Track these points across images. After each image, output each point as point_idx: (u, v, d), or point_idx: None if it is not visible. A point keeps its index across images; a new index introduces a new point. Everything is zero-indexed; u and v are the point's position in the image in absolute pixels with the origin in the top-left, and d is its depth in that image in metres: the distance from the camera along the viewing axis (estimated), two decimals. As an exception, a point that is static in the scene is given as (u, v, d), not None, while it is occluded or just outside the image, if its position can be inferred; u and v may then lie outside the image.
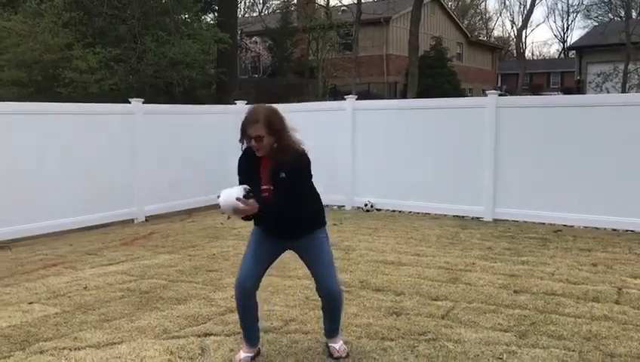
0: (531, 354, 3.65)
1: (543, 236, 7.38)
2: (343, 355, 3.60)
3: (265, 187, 3.37)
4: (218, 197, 3.23)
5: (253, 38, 31.21)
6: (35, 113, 7.78)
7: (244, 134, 3.31)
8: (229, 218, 3.48)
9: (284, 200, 3.31)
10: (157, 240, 7.47)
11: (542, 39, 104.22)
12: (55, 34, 15.52)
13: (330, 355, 3.63)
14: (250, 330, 3.61)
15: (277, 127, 3.29)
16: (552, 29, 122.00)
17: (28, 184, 7.50)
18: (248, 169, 3.42)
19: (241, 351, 3.62)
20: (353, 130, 9.59)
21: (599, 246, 6.76)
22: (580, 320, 4.28)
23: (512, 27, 69.81)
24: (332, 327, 3.71)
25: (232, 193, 3.20)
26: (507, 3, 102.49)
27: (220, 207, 3.24)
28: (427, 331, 4.07)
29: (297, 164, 3.35)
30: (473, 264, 5.97)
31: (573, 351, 3.71)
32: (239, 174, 3.46)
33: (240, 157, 3.48)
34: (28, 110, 7.84)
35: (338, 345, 3.66)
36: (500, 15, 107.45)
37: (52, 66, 15.60)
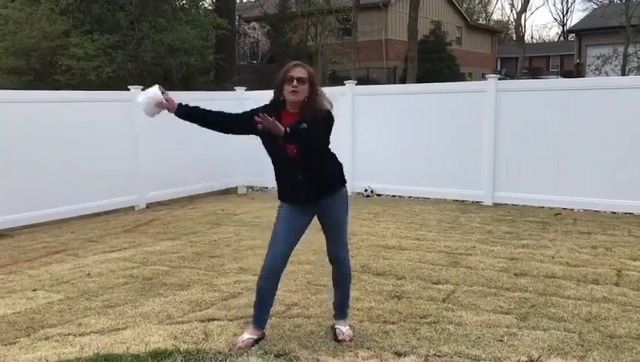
0: (532, 336, 3.69)
1: (543, 219, 7.41)
2: (347, 339, 3.63)
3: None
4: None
5: (252, 24, 31.03)
6: (31, 101, 7.78)
7: (285, 77, 3.42)
8: (154, 115, 3.66)
9: (309, 144, 3.44)
10: (158, 226, 7.50)
11: (541, 22, 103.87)
12: (52, 21, 15.44)
13: (335, 337, 3.66)
14: (263, 312, 3.65)
15: (314, 79, 3.49)
16: (551, 12, 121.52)
17: (29, 172, 7.51)
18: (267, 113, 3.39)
19: (245, 333, 3.64)
20: (353, 115, 9.59)
21: (599, 229, 6.79)
22: (580, 302, 4.31)
23: (512, 10, 69.57)
24: (343, 304, 3.75)
25: (150, 91, 3.49)
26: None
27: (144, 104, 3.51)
28: (428, 314, 4.10)
29: (321, 119, 3.49)
30: (474, 248, 6.00)
31: (574, 332, 3.75)
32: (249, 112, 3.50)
33: (255, 108, 3.52)
34: (24, 98, 7.85)
35: (345, 329, 3.70)
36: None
37: (50, 54, 15.54)
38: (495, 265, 5.32)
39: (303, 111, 3.46)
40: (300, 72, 3.44)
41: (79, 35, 15.71)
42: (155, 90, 3.55)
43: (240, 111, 3.64)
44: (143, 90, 3.67)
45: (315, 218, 3.64)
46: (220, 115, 3.70)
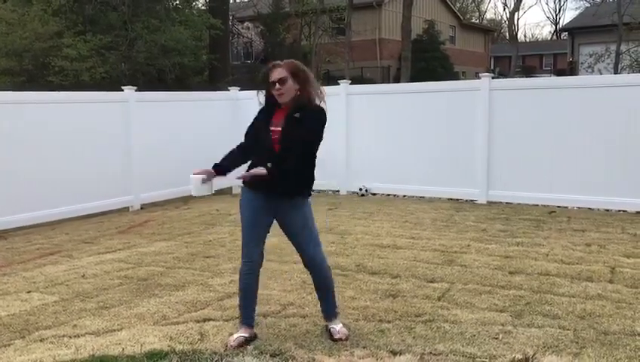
0: (527, 334, 3.70)
1: (537, 217, 7.43)
2: (343, 337, 3.63)
3: (274, 128, 3.47)
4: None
5: (245, 24, 30.99)
6: (26, 103, 7.74)
7: (267, 82, 3.47)
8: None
9: (289, 142, 3.42)
10: (153, 227, 7.48)
11: (534, 21, 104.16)
12: (45, 22, 15.39)
13: (331, 337, 3.66)
14: (249, 309, 3.67)
15: (300, 74, 3.47)
16: (544, 10, 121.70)
17: (23, 173, 7.48)
18: (261, 119, 3.53)
19: (235, 333, 3.65)
20: (347, 115, 9.59)
21: (593, 227, 6.82)
22: (575, 299, 4.33)
23: (505, 9, 69.63)
24: (328, 307, 3.75)
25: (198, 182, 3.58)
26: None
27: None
28: (424, 313, 4.11)
29: (313, 113, 3.48)
30: (468, 246, 6.02)
31: (568, 329, 3.76)
32: (254, 119, 3.60)
33: (255, 118, 3.61)
34: (16, 100, 7.81)
35: (338, 327, 3.70)
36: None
37: (43, 55, 15.49)
38: (490, 263, 5.34)
39: (295, 104, 3.48)
40: (277, 73, 3.45)
41: (72, 36, 15.67)
42: (196, 178, 3.59)
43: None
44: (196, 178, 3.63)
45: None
46: (247, 145, 3.68)
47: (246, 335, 3.62)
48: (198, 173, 3.58)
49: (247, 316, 3.68)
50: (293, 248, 3.73)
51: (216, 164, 3.64)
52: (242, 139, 3.69)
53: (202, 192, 3.63)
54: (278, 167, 3.40)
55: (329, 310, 3.76)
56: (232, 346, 3.53)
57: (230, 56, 23.62)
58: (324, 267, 3.69)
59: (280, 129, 3.45)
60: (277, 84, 3.42)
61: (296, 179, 3.52)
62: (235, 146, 3.72)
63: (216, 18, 18.61)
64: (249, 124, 3.67)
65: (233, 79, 18.25)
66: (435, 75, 26.14)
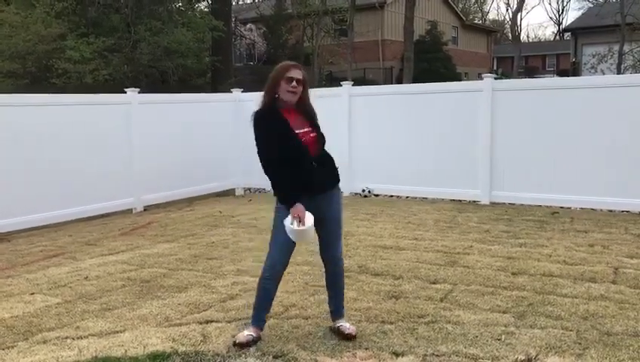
0: (529, 335, 3.70)
1: (540, 218, 7.42)
2: (353, 333, 3.66)
3: (306, 129, 3.56)
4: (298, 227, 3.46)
5: (248, 26, 31.05)
6: (29, 105, 7.77)
7: (283, 76, 3.50)
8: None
9: (323, 141, 3.65)
10: (156, 229, 7.49)
11: (537, 21, 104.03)
12: (48, 24, 15.45)
13: (342, 334, 3.67)
14: (263, 312, 3.69)
15: (307, 85, 3.62)
16: (547, 10, 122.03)
17: (26, 175, 7.50)
18: (277, 122, 3.50)
19: (244, 331, 3.66)
20: (350, 116, 9.59)
21: (596, 228, 6.80)
22: (577, 300, 4.32)
23: (507, 10, 69.46)
24: (339, 305, 3.79)
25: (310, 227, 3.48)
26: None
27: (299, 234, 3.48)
28: (426, 314, 4.11)
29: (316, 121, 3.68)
30: (471, 247, 6.01)
31: (571, 330, 3.76)
32: (267, 130, 3.49)
33: (259, 114, 3.53)
34: (20, 102, 7.84)
35: (349, 324, 3.74)
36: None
37: (46, 57, 15.54)
38: (492, 264, 5.33)
39: (304, 108, 3.62)
40: (299, 73, 3.55)
41: (75, 38, 15.73)
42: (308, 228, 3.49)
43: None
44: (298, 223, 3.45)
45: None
46: (289, 158, 3.53)
47: (254, 335, 3.64)
48: (298, 217, 3.45)
49: (258, 318, 3.69)
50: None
51: (296, 198, 3.49)
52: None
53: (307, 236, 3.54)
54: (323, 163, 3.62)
55: (339, 308, 3.80)
56: (240, 342, 3.55)
57: (233, 58, 23.66)
58: (342, 263, 3.79)
59: (309, 130, 3.57)
60: (296, 81, 3.51)
61: (331, 161, 3.72)
62: (277, 167, 3.52)
63: (218, 20, 18.63)
64: (258, 133, 3.52)
65: (236, 81, 18.26)
66: (438, 76, 26.11)
